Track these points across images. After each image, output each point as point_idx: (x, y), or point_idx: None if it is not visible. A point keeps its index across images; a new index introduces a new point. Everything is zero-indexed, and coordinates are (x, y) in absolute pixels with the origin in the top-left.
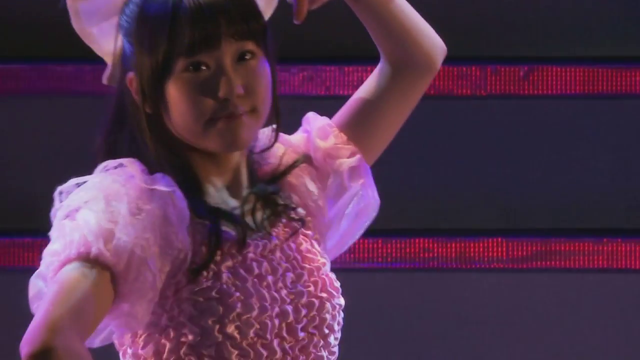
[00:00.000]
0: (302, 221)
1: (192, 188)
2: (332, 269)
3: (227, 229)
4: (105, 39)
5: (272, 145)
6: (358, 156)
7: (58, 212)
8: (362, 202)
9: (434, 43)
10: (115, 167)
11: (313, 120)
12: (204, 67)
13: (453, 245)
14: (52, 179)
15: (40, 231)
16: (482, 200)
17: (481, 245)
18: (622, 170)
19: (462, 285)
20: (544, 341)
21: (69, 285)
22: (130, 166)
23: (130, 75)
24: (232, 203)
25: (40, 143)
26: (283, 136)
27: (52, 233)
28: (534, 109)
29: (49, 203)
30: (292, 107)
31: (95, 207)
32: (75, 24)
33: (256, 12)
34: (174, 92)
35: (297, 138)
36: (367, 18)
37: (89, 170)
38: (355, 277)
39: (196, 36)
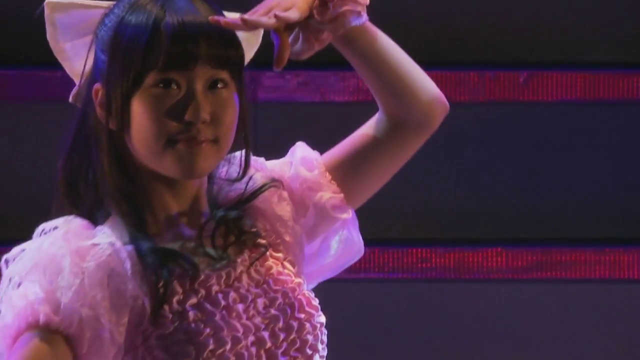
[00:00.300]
0: (266, 247)
1: (140, 223)
2: (326, 280)
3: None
4: (77, 58)
5: (241, 178)
6: (341, 195)
7: (3, 284)
8: (347, 242)
9: (433, 98)
10: (53, 229)
11: (300, 150)
12: (174, 86)
13: (451, 255)
14: (38, 186)
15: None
16: (480, 208)
17: (480, 255)
18: (624, 178)
19: (460, 296)
20: (544, 353)
21: (27, 358)
22: (67, 226)
23: (97, 86)
24: (188, 232)
25: (29, 150)
26: (257, 160)
27: (2, 307)
28: (534, 115)
29: (37, 210)
30: (286, 113)
31: (36, 275)
32: (50, 37)
33: (236, 42)
34: (139, 107)
35: (274, 163)
36: (358, 63)
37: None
38: (350, 288)
39: (173, 52)
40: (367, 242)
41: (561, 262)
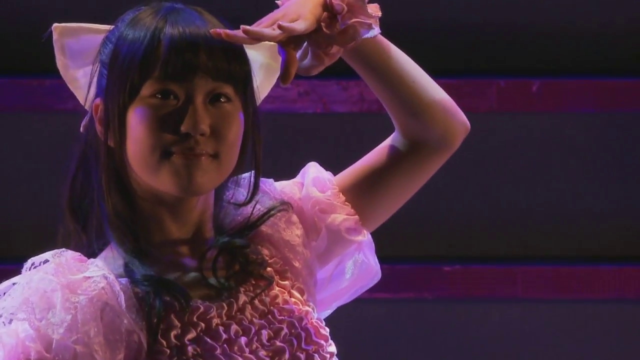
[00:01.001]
0: (271, 280)
1: (137, 251)
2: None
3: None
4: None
5: (248, 202)
6: (356, 217)
7: None
8: (362, 266)
9: (452, 116)
10: (43, 263)
11: (312, 170)
12: (172, 97)
13: (462, 273)
14: (26, 199)
15: (13, 256)
16: (491, 225)
17: (489, 273)
18: None
19: (470, 316)
20: None
21: None
22: (57, 260)
23: (97, 101)
24: (189, 260)
25: (14, 162)
26: (266, 181)
27: None
28: (548, 126)
29: (22, 225)
30: (287, 125)
31: (26, 312)
32: (60, 64)
33: (241, 56)
34: (135, 118)
35: (284, 184)
36: (372, 79)
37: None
38: (356, 308)
39: (171, 60)
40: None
41: (577, 280)
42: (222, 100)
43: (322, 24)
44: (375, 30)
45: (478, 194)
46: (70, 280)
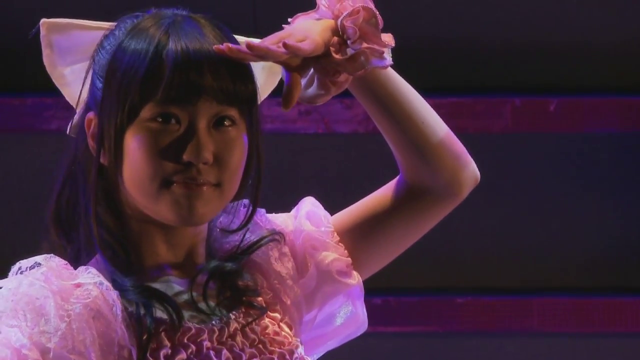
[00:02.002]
0: (263, 310)
1: (126, 269)
2: None
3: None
4: (78, 85)
5: (242, 228)
6: (348, 260)
7: None
8: (350, 315)
9: (461, 164)
10: (32, 267)
11: (307, 204)
12: (174, 122)
13: (476, 305)
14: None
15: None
16: (505, 253)
17: (506, 305)
18: None
19: (484, 351)
20: None
21: None
22: (48, 263)
23: (90, 115)
24: (177, 286)
25: None
26: (258, 212)
27: None
28: (567, 147)
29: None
30: (286, 146)
31: (16, 319)
32: (47, 61)
33: (248, 75)
34: (133, 142)
35: (276, 216)
36: (379, 114)
37: (41, 217)
38: (361, 342)
39: (175, 82)
40: (381, 291)
41: (598, 312)
42: (226, 123)
43: (331, 48)
44: (388, 61)
45: (491, 220)
46: (62, 287)
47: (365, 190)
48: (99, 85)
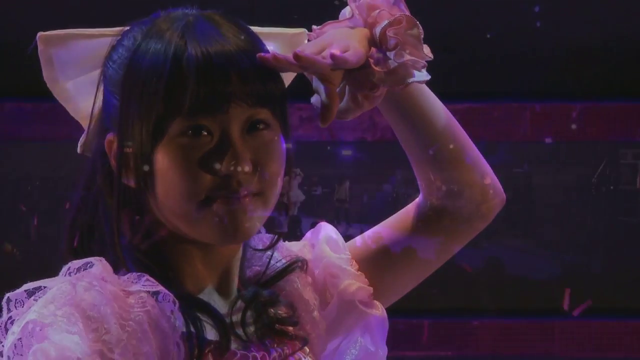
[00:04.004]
0: (307, 340)
1: (167, 286)
2: None
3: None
4: (83, 98)
5: (275, 243)
6: (370, 289)
7: (10, 334)
8: (366, 352)
9: (490, 185)
10: (83, 268)
11: (324, 230)
12: (205, 133)
13: (491, 327)
14: None
15: None
16: (525, 273)
17: (523, 327)
18: None
19: None
20: None
21: None
22: (100, 265)
23: (110, 136)
24: (217, 306)
25: None
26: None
27: (29, 357)
28: (590, 156)
29: None
30: (288, 154)
31: (73, 325)
32: (47, 76)
33: (275, 73)
34: (164, 161)
35: (292, 244)
36: (404, 130)
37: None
38: None
39: (201, 93)
40: (404, 313)
41: (630, 337)
42: (259, 127)
43: (370, 60)
44: (426, 75)
45: (509, 236)
46: (116, 294)
47: (371, 199)
48: (114, 102)
